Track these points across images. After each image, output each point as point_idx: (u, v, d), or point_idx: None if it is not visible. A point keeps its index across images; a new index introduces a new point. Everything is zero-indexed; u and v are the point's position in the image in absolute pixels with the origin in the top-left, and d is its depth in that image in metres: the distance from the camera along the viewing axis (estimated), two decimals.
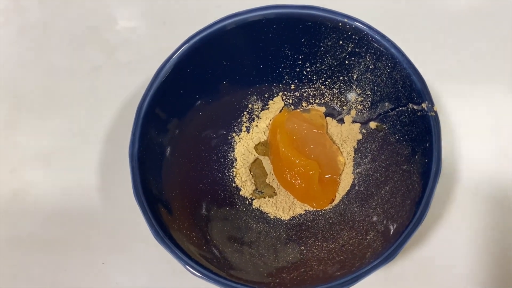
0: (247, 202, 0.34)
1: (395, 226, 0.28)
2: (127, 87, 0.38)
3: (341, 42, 0.31)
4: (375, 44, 0.30)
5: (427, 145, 0.28)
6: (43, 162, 0.37)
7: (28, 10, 0.42)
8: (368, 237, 0.29)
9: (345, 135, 0.34)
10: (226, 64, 0.32)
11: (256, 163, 0.35)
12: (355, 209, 0.32)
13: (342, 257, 0.29)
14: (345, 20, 0.30)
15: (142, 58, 0.39)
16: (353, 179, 0.33)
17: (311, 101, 0.35)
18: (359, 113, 0.34)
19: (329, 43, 0.31)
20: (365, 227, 0.30)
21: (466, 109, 0.36)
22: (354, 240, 0.30)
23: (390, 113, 0.32)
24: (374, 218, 0.30)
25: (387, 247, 0.26)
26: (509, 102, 0.36)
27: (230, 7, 0.38)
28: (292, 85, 0.35)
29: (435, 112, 0.28)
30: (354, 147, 0.34)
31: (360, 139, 0.34)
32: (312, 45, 0.32)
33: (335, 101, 0.35)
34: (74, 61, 0.40)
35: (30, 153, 0.37)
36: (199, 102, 0.33)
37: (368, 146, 0.34)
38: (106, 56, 0.40)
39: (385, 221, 0.29)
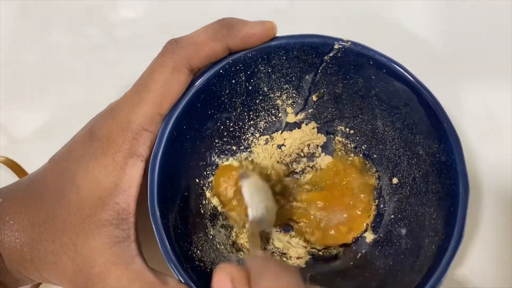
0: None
1: None
2: (126, 64, 0.38)
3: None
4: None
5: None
6: (42, 136, 0.37)
7: None
8: None
9: None
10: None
11: None
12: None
13: None
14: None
15: (141, 35, 0.40)
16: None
17: None
18: None
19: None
20: None
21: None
22: None
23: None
24: None
25: None
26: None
27: None
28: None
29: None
30: None
31: None
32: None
33: None
34: (74, 39, 0.40)
35: (30, 127, 0.38)
36: None
37: None
38: (106, 33, 0.40)
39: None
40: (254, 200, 0.27)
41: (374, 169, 0.32)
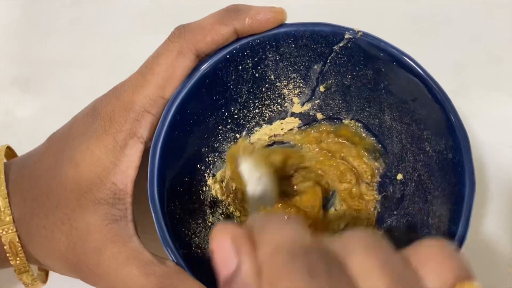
0: None
1: None
2: (108, 21, 0.39)
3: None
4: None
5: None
6: (22, 87, 0.38)
7: None
8: None
9: None
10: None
11: None
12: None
13: None
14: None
15: None
16: None
17: None
18: None
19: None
20: None
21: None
22: None
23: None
24: None
25: None
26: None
27: None
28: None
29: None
30: None
31: None
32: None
33: None
34: None
35: (10, 78, 0.39)
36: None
37: None
38: None
39: None
40: (253, 178, 0.27)
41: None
